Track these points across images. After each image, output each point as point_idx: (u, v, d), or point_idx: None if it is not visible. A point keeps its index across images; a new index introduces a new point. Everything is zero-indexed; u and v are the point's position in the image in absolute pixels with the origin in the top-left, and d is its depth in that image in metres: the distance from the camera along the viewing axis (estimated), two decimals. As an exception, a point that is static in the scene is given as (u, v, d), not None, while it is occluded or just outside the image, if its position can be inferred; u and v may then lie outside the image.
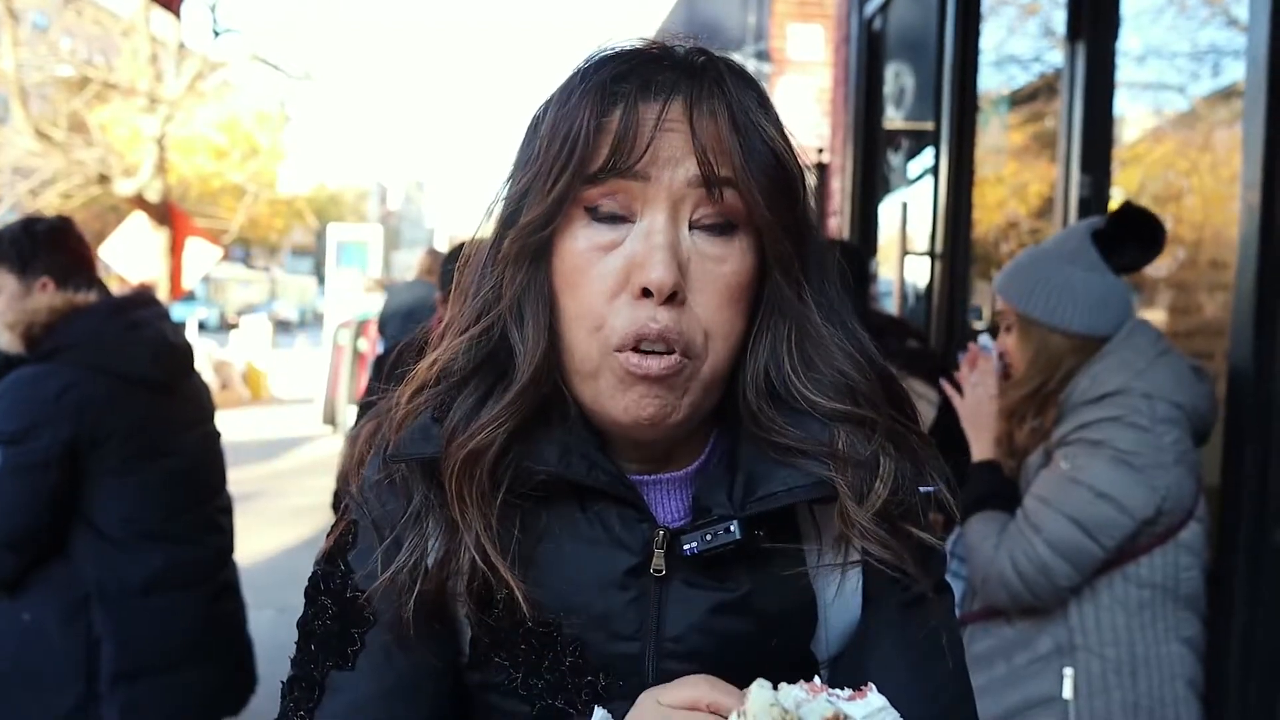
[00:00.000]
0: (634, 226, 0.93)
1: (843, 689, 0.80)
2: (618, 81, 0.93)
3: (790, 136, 0.98)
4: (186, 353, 3.05)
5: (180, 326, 3.11)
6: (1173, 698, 2.21)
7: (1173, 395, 2.22)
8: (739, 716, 0.77)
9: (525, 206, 0.95)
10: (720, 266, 0.94)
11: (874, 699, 0.79)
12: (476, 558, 0.93)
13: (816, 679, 0.80)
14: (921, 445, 1.02)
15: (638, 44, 0.98)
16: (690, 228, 0.94)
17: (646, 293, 0.91)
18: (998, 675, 2.29)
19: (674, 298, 0.91)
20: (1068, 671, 2.23)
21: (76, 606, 2.72)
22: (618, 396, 0.94)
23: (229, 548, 3.13)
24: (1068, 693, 2.23)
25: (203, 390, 3.16)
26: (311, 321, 40.97)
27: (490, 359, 0.97)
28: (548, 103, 0.98)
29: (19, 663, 2.71)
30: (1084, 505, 2.17)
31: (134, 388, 2.79)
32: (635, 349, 0.91)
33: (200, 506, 2.99)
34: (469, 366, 0.97)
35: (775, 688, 0.78)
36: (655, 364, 0.91)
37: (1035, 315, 2.35)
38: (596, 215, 0.94)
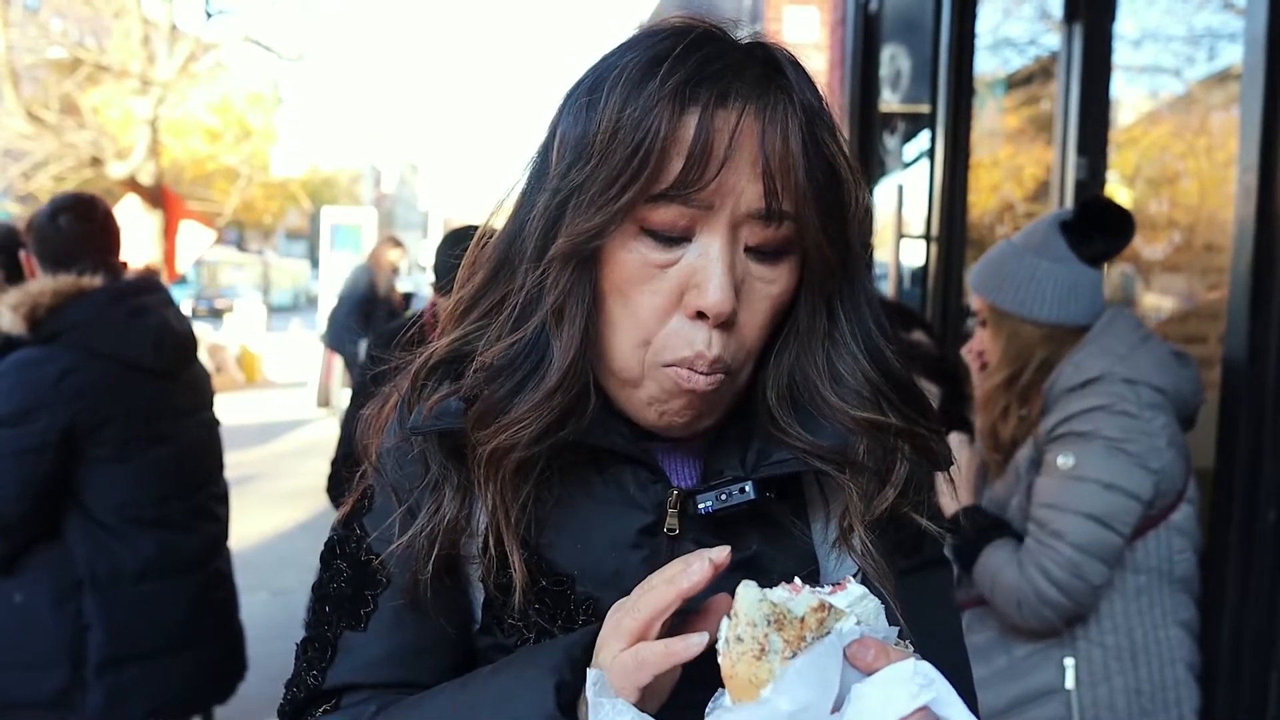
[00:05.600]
0: (690, 245, 0.92)
1: (824, 585, 0.82)
2: (694, 86, 0.90)
3: (845, 145, 0.97)
4: (189, 339, 3.03)
5: (183, 313, 3.09)
6: (1173, 681, 2.23)
7: (1155, 380, 2.23)
8: (729, 618, 0.78)
9: (577, 204, 0.92)
10: (770, 287, 0.95)
11: (854, 589, 0.81)
12: (489, 523, 0.95)
13: (797, 579, 0.81)
14: (939, 444, 1.03)
15: (699, 27, 0.94)
16: (745, 249, 0.93)
17: (701, 314, 0.92)
18: (998, 667, 2.29)
19: (726, 321, 0.92)
20: (1069, 661, 2.24)
21: (68, 591, 2.72)
22: (655, 405, 0.96)
23: (223, 536, 3.13)
24: (1070, 682, 2.23)
25: (203, 377, 3.15)
26: (304, 305, 40.80)
27: (525, 353, 0.96)
28: (602, 82, 0.93)
29: (8, 642, 2.72)
30: (1095, 499, 2.17)
31: (134, 373, 2.78)
32: (688, 366, 0.93)
33: (194, 493, 2.98)
34: (503, 361, 0.96)
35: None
36: (704, 380, 0.93)
37: (1005, 307, 2.37)
38: (654, 234, 0.92)
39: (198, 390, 3.09)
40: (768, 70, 0.93)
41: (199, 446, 3.05)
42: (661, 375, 0.94)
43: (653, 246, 0.92)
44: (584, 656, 0.88)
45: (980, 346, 2.48)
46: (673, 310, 0.93)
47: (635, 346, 0.94)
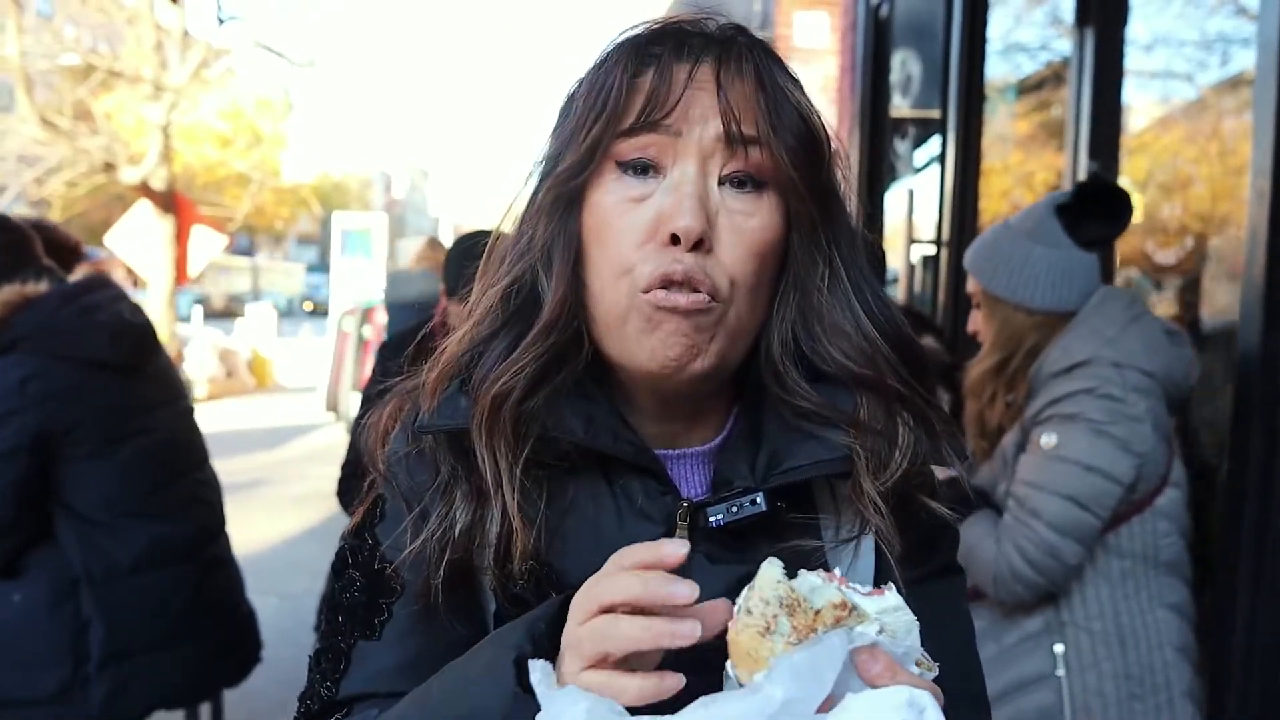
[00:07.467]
0: (663, 180, 0.95)
1: (862, 585, 0.81)
2: (652, 44, 0.96)
3: (816, 107, 0.99)
4: (147, 332, 3.04)
5: (139, 307, 3.08)
6: (1161, 664, 2.22)
7: (1143, 363, 2.22)
8: (750, 587, 0.78)
9: (560, 158, 0.97)
10: (747, 221, 0.95)
11: (890, 598, 0.80)
12: (501, 527, 0.95)
13: (837, 570, 0.80)
14: (940, 419, 1.02)
15: (673, 19, 0.99)
16: (720, 183, 0.95)
17: (674, 240, 0.92)
18: (988, 655, 2.28)
19: (700, 245, 0.92)
20: (1058, 648, 2.24)
21: (66, 590, 2.74)
22: (644, 339, 0.94)
23: (216, 522, 3.14)
24: (1060, 669, 2.24)
25: (170, 368, 3.18)
26: (299, 312, 40.77)
27: (520, 310, 0.98)
28: (583, 76, 1.00)
29: (8, 643, 2.73)
30: (1074, 480, 2.17)
31: (97, 371, 2.81)
32: (663, 287, 0.93)
33: (179, 482, 3.00)
34: (499, 319, 0.98)
35: (794, 575, 0.78)
36: (683, 299, 0.92)
37: (998, 292, 2.36)
38: (627, 168, 0.95)
39: (167, 382, 3.11)
40: (730, 37, 0.98)
41: (177, 436, 3.06)
42: (642, 303, 0.93)
43: (627, 183, 0.95)
44: (548, 630, 0.86)
45: (975, 327, 2.48)
46: (647, 241, 0.94)
47: (615, 280, 0.95)
